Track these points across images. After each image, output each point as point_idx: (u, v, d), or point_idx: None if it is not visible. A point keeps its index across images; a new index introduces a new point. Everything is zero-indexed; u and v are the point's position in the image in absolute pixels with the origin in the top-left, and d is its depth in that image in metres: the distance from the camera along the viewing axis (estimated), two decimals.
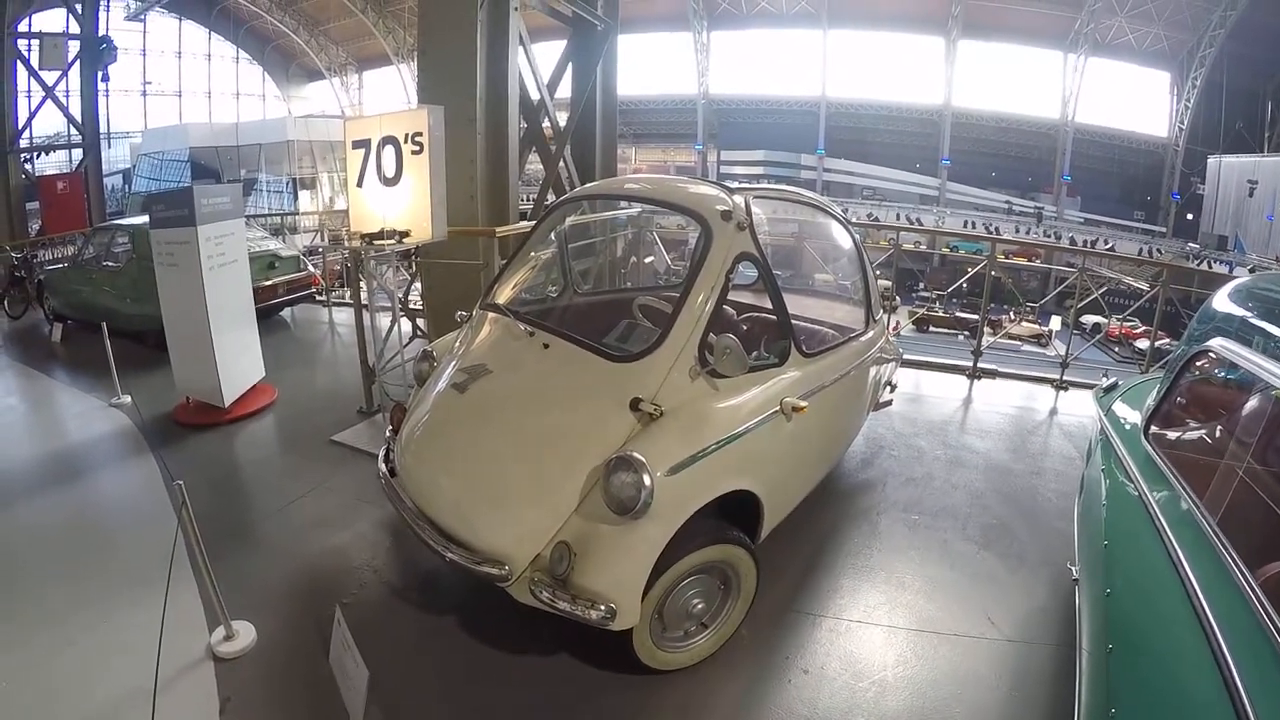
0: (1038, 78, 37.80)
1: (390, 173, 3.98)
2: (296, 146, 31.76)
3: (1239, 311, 2.30)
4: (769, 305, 3.15)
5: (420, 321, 5.44)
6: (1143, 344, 21.57)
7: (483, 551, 2.43)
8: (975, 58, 37.91)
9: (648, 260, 5.30)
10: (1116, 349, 24.05)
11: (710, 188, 3.14)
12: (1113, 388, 3.42)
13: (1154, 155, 37.63)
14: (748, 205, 2.89)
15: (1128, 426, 2.79)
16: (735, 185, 3.16)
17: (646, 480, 2.26)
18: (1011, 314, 24.22)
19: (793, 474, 3.13)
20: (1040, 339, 23.50)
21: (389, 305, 5.13)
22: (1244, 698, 1.41)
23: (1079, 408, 6.08)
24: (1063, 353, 6.83)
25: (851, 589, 3.24)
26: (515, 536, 2.41)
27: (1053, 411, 5.99)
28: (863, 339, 3.80)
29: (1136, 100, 37.22)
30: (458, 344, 3.21)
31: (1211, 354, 2.30)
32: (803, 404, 2.79)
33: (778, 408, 2.77)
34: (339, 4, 40.39)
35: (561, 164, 5.96)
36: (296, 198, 31.06)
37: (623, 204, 4.39)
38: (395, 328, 4.98)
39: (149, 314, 5.03)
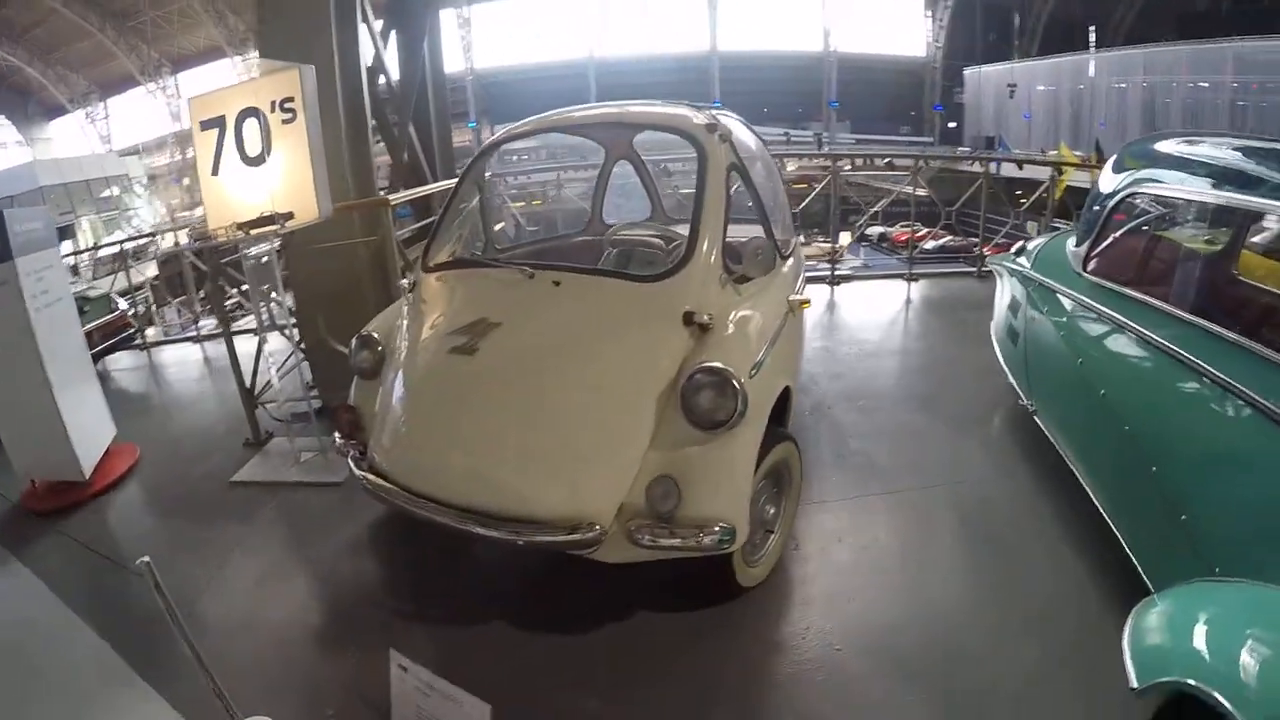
0: (798, 14, 40.30)
1: (255, 150, 3.42)
2: (50, 192, 27.45)
3: (1139, 171, 2.91)
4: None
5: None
6: (929, 244, 24.11)
7: (556, 521, 2.13)
8: (737, 2, 39.76)
9: (498, 227, 5.11)
10: (904, 253, 26.62)
11: (678, 106, 3.13)
12: (1021, 250, 3.85)
13: (914, 74, 41.41)
14: (718, 119, 2.93)
15: (1063, 270, 3.16)
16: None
17: (737, 385, 2.15)
18: (802, 236, 25.85)
19: (799, 365, 3.28)
20: (832, 255, 25.23)
21: (247, 324, 4.47)
22: None
23: (931, 293, 6.84)
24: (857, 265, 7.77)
25: (851, 469, 3.39)
26: (597, 491, 2.16)
27: (908, 301, 6.62)
28: (795, 243, 3.95)
29: (894, 25, 40.86)
30: (412, 315, 2.84)
31: (1138, 194, 2.89)
32: (807, 299, 2.96)
33: (788, 306, 2.85)
34: (73, 26, 35.01)
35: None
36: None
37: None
38: (263, 345, 4.29)
39: None
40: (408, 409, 2.52)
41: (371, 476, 2.47)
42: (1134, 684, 1.68)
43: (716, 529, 2.08)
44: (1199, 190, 2.53)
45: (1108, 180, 3.07)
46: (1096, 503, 2.61)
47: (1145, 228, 3.01)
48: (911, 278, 7.17)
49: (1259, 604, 1.57)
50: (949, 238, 22.71)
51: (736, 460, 2.20)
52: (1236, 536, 1.86)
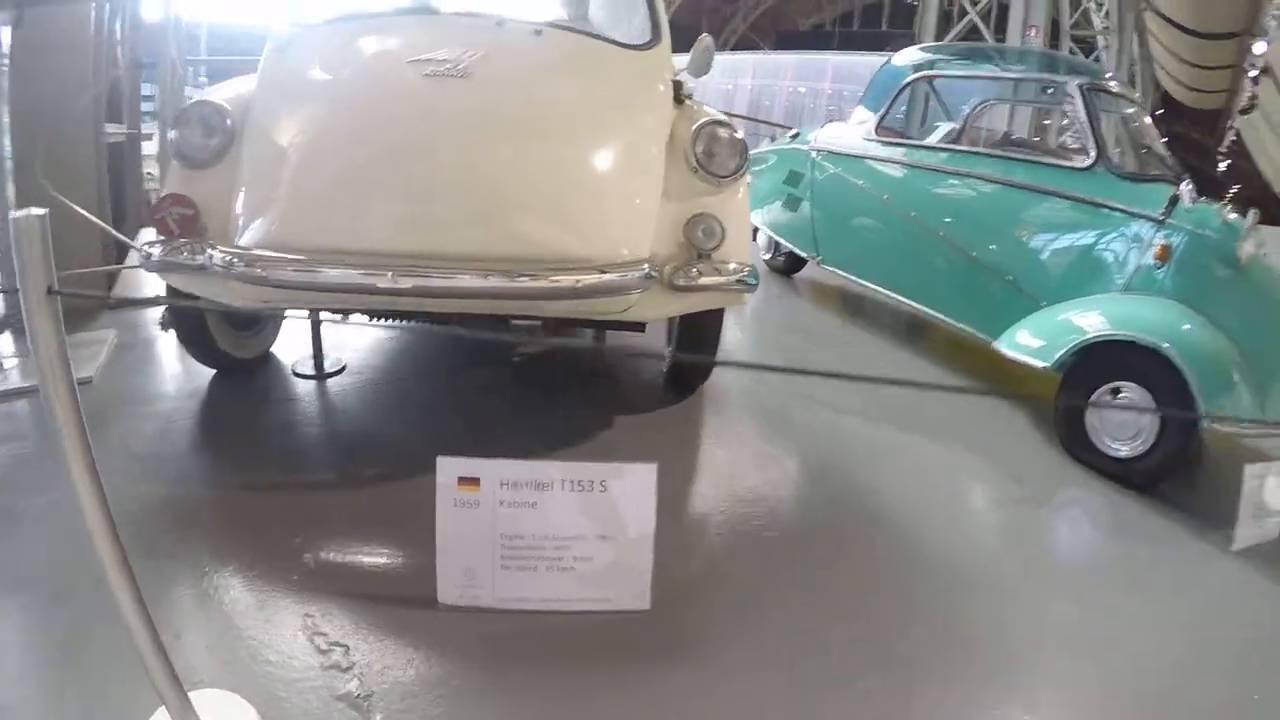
0: None
1: None
2: None
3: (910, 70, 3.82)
4: None
5: None
6: None
7: (601, 262, 1.90)
8: None
9: None
10: None
11: None
12: (796, 135, 4.49)
13: None
14: None
15: (854, 140, 3.87)
16: None
17: (741, 138, 2.22)
18: None
19: None
20: None
21: None
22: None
23: None
24: None
25: None
26: (635, 230, 2.01)
27: None
28: None
29: None
30: (302, 70, 2.19)
31: (918, 81, 3.81)
32: None
33: None
34: None
35: None
36: None
37: None
38: None
39: None
40: (349, 154, 1.95)
41: (246, 270, 1.80)
42: (1045, 363, 2.45)
43: (745, 268, 2.14)
44: (962, 70, 3.86)
45: (886, 79, 3.90)
46: (910, 302, 3.40)
47: (923, 103, 4.15)
48: None
49: (1094, 301, 2.61)
50: None
51: (744, 209, 2.29)
52: (1049, 275, 2.83)
